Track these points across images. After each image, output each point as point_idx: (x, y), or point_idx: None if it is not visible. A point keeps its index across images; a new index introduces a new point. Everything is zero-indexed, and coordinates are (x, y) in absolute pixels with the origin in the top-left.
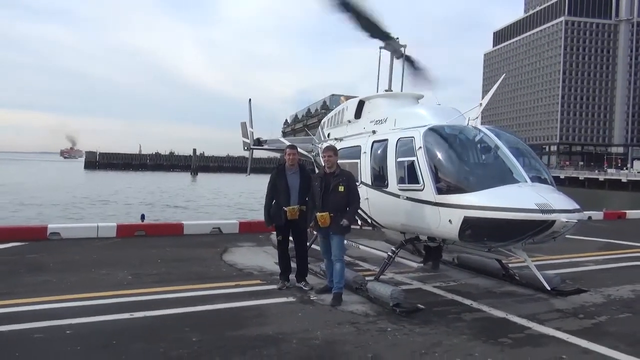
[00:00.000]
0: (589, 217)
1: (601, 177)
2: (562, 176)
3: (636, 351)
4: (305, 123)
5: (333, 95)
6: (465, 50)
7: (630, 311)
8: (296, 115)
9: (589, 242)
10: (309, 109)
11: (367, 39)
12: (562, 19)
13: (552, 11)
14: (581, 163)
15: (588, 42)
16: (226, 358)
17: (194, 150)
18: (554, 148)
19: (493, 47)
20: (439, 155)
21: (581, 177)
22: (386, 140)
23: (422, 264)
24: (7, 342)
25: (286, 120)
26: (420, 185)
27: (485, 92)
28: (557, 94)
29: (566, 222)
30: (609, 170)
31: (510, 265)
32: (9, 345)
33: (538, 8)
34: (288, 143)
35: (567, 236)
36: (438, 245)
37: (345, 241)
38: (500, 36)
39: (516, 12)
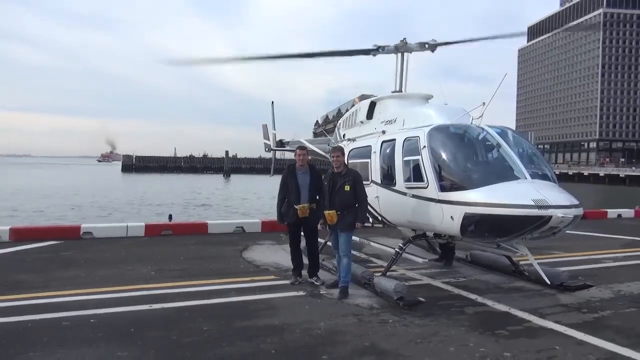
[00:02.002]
0: (619, 215)
1: None
2: (601, 174)
3: (631, 343)
4: (336, 124)
5: (363, 95)
6: (499, 45)
7: (637, 306)
8: (327, 116)
9: (613, 239)
10: (339, 110)
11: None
12: (600, 11)
13: (590, 3)
14: (622, 160)
15: (628, 34)
16: (232, 344)
17: (227, 152)
18: (593, 145)
19: (528, 42)
20: (442, 154)
21: (622, 175)
22: (394, 140)
23: (427, 260)
24: (38, 328)
25: (317, 121)
26: (424, 183)
27: (519, 88)
28: (596, 88)
29: (562, 217)
30: None
31: (521, 262)
32: (40, 331)
33: (575, 1)
34: (307, 144)
35: (590, 234)
36: (450, 242)
37: (358, 239)
38: (535, 30)
39: (552, 6)
